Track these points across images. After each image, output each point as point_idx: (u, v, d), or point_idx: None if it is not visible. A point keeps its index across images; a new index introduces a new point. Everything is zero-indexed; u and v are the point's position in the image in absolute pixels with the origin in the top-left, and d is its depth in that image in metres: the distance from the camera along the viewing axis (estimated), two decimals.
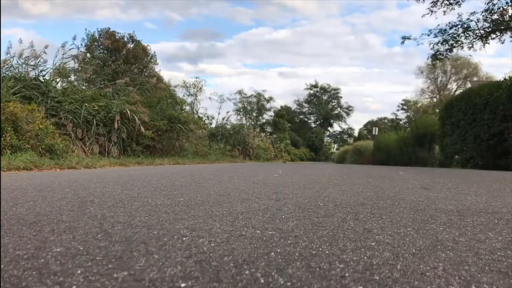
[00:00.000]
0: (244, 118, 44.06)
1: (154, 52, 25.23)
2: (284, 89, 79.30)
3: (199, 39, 72.91)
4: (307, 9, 72.89)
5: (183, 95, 27.98)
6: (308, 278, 0.77)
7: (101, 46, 23.07)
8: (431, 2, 14.09)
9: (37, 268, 0.81)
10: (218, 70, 72.72)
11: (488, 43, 13.92)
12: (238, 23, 73.65)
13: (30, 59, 8.46)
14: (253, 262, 0.87)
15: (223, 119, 20.73)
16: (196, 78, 35.76)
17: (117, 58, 22.80)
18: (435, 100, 45.54)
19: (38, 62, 8.58)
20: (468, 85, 32.22)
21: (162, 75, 24.52)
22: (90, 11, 55.67)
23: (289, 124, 47.08)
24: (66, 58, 9.37)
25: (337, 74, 76.14)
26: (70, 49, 9.44)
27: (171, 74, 70.71)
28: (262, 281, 0.75)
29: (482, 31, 13.96)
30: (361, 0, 68.05)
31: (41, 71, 8.72)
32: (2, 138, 5.59)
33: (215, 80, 69.27)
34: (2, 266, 0.82)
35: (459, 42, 14.33)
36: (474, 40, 14.15)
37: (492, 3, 13.41)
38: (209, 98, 44.51)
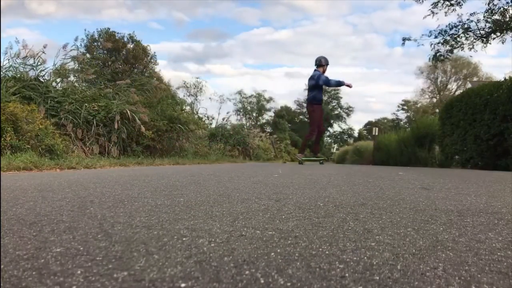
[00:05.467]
0: (244, 118, 44.09)
1: (154, 53, 25.27)
2: (288, 89, 79.59)
3: (206, 40, 73.29)
4: (316, 9, 73.10)
5: (183, 95, 28.00)
6: (308, 278, 0.77)
7: (100, 46, 23.06)
8: (432, 4, 14.11)
9: (37, 268, 0.81)
10: (222, 71, 73.13)
11: (490, 43, 13.95)
12: (245, 24, 74.01)
13: (28, 59, 8.47)
14: (253, 262, 0.87)
15: (223, 119, 20.72)
16: (197, 78, 35.79)
17: (116, 59, 22.79)
18: (435, 100, 45.56)
19: (37, 62, 8.58)
20: (468, 85, 32.23)
21: (162, 75, 24.52)
22: (96, 11, 55.71)
23: (289, 124, 47.08)
24: (66, 59, 9.38)
25: (339, 75, 76.35)
26: (71, 50, 9.44)
27: (177, 74, 71.07)
28: (262, 281, 0.75)
29: (482, 32, 13.97)
30: (363, 0, 68.21)
31: (40, 71, 8.72)
32: (2, 138, 5.59)
33: (221, 80, 69.67)
34: (2, 266, 0.82)
35: (460, 43, 14.35)
36: (475, 40, 14.17)
37: (493, 4, 13.42)
38: (209, 98, 44.57)
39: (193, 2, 70.67)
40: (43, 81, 8.54)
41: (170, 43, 73.65)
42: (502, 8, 13.45)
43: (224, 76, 75.04)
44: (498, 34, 13.85)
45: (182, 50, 72.64)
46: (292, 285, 0.73)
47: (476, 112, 9.20)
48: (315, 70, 8.65)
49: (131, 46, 23.27)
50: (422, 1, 14.28)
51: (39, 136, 6.21)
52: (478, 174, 5.26)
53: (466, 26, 14.09)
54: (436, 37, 14.43)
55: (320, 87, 8.57)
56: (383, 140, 15.70)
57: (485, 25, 13.88)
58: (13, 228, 1.20)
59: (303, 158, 9.22)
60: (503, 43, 13.91)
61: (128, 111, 8.78)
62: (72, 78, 10.08)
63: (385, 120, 55.82)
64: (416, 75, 56.18)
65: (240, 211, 1.57)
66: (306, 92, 9.42)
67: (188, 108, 21.77)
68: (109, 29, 23.76)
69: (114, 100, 9.27)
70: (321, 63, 8.55)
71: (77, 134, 7.75)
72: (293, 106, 55.45)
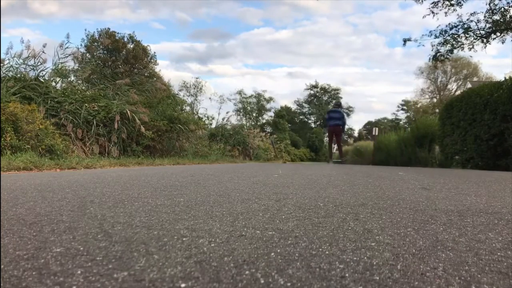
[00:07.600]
0: (244, 118, 44.11)
1: (154, 53, 25.26)
2: (290, 90, 79.61)
3: (208, 40, 73.28)
4: (318, 10, 73.01)
5: (183, 96, 28.03)
6: (308, 278, 0.77)
7: (101, 47, 23.06)
8: (432, 3, 14.10)
9: (37, 269, 0.81)
10: (223, 71, 73.22)
11: (490, 43, 13.94)
12: (247, 23, 74.09)
13: (29, 59, 8.47)
14: (253, 262, 0.87)
15: (223, 119, 20.71)
16: (197, 78, 35.85)
17: (116, 59, 22.79)
18: (435, 100, 45.57)
19: (37, 62, 8.58)
20: (468, 85, 32.23)
21: (162, 75, 24.52)
22: (98, 11, 55.63)
23: (289, 125, 47.11)
24: (64, 57, 9.37)
25: (340, 75, 76.51)
26: (66, 48, 9.41)
27: (180, 75, 71.00)
28: (262, 281, 0.75)
29: (482, 32, 13.97)
30: (363, 0, 68.23)
31: (40, 71, 8.72)
32: (2, 138, 5.59)
33: (223, 80, 69.72)
34: (2, 266, 0.82)
35: (460, 43, 14.34)
36: (475, 40, 14.16)
37: (494, 4, 13.42)
38: (209, 98, 44.67)
39: (196, 2, 70.51)
40: (43, 81, 8.53)
41: (172, 43, 73.64)
42: (502, 9, 13.46)
43: (225, 76, 75.10)
44: (498, 34, 13.85)
45: (184, 50, 72.62)
46: (292, 285, 0.73)
47: (476, 112, 9.19)
48: (337, 106, 12.60)
49: (131, 46, 23.28)
50: (422, 1, 14.29)
51: (39, 136, 6.21)
52: (478, 174, 5.26)
53: (466, 26, 14.09)
54: (436, 37, 14.43)
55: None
56: (383, 140, 15.68)
57: (485, 25, 13.88)
58: (13, 228, 1.20)
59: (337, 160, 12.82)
60: (503, 43, 13.93)
61: (128, 111, 8.77)
62: (72, 78, 10.07)
63: (385, 120, 55.87)
64: (416, 75, 56.11)
65: (240, 211, 1.58)
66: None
67: (188, 108, 21.79)
68: (109, 29, 23.77)
69: (114, 100, 9.27)
70: (341, 103, 13.29)
71: (77, 134, 7.75)
72: (293, 106, 55.50)
